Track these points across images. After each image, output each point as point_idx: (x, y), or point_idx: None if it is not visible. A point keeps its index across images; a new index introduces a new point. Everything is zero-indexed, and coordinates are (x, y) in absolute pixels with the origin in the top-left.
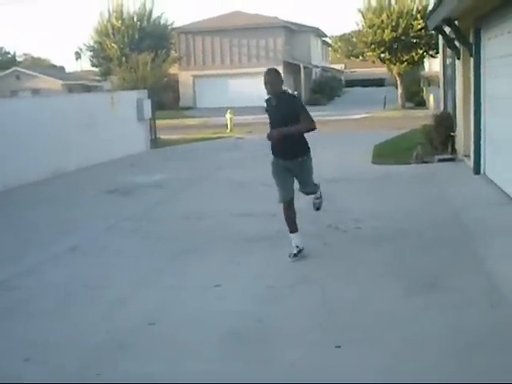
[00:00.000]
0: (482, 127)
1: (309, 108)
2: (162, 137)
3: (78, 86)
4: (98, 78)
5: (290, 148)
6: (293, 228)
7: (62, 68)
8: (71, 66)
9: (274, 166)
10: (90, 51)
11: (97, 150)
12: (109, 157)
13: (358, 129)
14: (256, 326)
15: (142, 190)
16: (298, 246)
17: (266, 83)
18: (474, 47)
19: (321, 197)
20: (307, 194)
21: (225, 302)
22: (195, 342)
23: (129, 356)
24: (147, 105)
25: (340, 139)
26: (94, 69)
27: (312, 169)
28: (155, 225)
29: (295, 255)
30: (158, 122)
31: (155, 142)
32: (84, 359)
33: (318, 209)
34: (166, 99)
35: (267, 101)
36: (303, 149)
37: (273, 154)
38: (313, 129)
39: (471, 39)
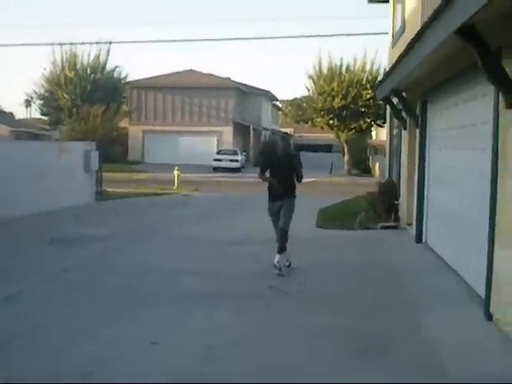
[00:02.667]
0: (425, 197)
1: (256, 169)
2: (108, 189)
3: (26, 133)
4: (47, 126)
5: (285, 190)
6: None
7: (11, 114)
8: (21, 113)
9: (269, 209)
10: (41, 100)
11: (42, 199)
12: (54, 206)
13: (304, 192)
14: None
15: (84, 242)
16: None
17: (280, 148)
18: (420, 119)
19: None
20: (282, 229)
21: (161, 360)
22: None
23: None
24: (95, 156)
25: None
26: (44, 117)
27: (293, 209)
28: (97, 277)
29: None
30: (105, 175)
31: (101, 195)
32: None
33: (280, 271)
34: (114, 152)
35: (264, 151)
36: (293, 192)
37: (269, 197)
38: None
39: (418, 111)
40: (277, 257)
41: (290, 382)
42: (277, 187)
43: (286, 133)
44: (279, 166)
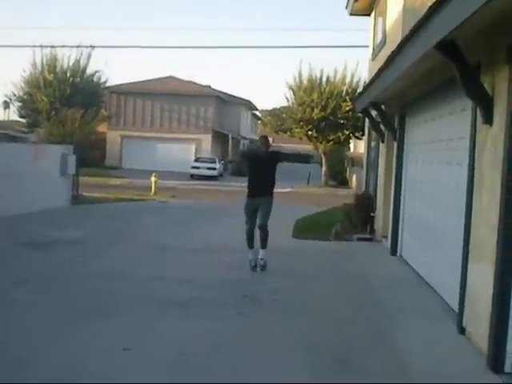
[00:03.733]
0: (400, 210)
1: (234, 178)
2: (85, 194)
3: (3, 135)
4: (24, 129)
5: (264, 187)
6: (251, 246)
7: None
8: None
9: (246, 206)
10: (19, 102)
11: (16, 201)
12: (28, 209)
13: (282, 202)
14: None
15: (58, 246)
16: (252, 260)
17: (262, 144)
18: (398, 132)
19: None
20: (261, 225)
21: (133, 366)
22: None
23: None
24: (72, 160)
25: None
26: (22, 120)
27: (271, 208)
28: (68, 282)
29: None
30: (82, 179)
31: (77, 199)
32: None
33: (262, 268)
34: (91, 157)
35: (247, 154)
36: (271, 190)
37: (248, 194)
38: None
39: (396, 124)
40: (261, 252)
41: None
42: (257, 183)
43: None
44: (260, 164)
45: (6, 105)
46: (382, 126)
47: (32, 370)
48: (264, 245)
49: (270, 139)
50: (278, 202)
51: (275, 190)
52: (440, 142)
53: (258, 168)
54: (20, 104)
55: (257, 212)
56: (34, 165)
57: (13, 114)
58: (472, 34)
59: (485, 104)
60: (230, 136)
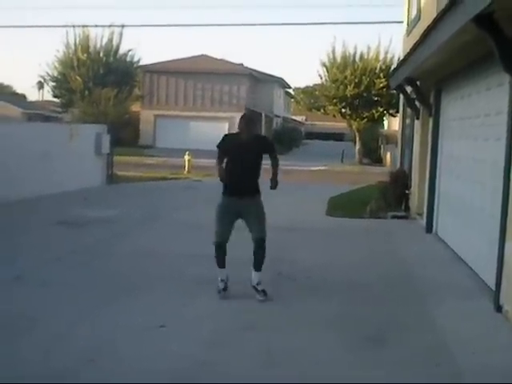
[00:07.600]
0: (436, 187)
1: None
2: (119, 173)
3: (38, 115)
4: (58, 109)
5: (249, 183)
6: (222, 264)
7: (24, 96)
8: (34, 95)
9: (221, 207)
10: (54, 82)
11: (51, 181)
12: (63, 189)
13: (315, 180)
14: (198, 369)
15: (93, 224)
16: (223, 280)
17: (243, 127)
18: (433, 108)
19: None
20: (259, 240)
21: (168, 344)
22: None
23: None
24: (106, 140)
25: (296, 190)
26: (56, 100)
27: (264, 211)
28: (103, 260)
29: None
30: (116, 158)
31: (111, 178)
32: None
33: (264, 294)
34: (125, 136)
35: (223, 143)
36: (257, 189)
37: (226, 193)
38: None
39: (431, 100)
40: (256, 276)
41: (295, 371)
42: (238, 178)
43: (253, 111)
44: (241, 153)
45: (41, 85)
46: (416, 103)
47: (70, 346)
48: (259, 267)
49: (302, 118)
50: (312, 181)
51: (309, 168)
52: (477, 117)
53: (240, 157)
54: (54, 84)
55: (234, 219)
56: (68, 144)
57: (47, 94)
58: (510, 6)
59: None
60: (263, 114)
